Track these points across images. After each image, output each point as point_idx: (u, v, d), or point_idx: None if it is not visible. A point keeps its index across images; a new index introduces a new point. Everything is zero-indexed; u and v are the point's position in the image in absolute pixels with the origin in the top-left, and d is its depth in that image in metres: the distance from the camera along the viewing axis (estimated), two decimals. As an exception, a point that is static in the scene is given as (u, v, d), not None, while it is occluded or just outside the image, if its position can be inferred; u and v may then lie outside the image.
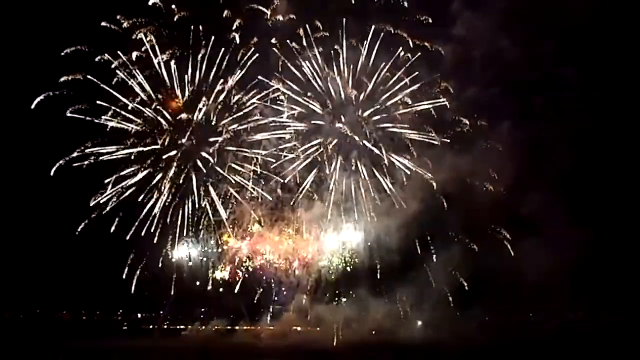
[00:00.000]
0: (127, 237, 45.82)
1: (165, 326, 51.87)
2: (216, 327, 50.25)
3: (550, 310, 50.94)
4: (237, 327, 50.56)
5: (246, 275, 50.48)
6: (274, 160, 47.68)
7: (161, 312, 51.52)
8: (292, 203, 48.48)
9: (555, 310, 50.64)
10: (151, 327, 52.47)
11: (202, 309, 50.65)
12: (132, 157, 46.19)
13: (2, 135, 46.36)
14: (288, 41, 47.17)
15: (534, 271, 42.66)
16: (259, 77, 47.36)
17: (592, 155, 45.35)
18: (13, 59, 46.28)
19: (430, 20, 46.41)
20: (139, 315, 53.53)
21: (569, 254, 41.29)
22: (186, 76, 47.13)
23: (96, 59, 45.34)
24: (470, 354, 41.51)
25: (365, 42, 46.86)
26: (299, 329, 49.64)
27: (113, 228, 45.75)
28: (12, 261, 48.46)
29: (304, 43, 47.06)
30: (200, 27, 46.48)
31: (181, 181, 47.71)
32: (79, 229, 45.34)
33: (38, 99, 44.60)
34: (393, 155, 47.67)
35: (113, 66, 45.56)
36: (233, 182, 47.84)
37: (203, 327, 50.66)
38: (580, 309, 50.51)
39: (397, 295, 47.98)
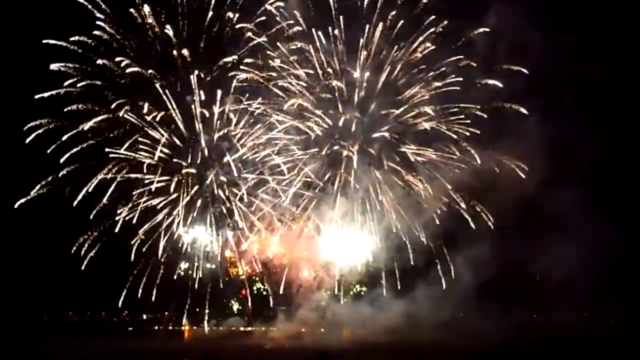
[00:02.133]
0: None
1: (171, 327, 51.31)
2: (232, 328, 50.15)
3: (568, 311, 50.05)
4: (253, 328, 50.37)
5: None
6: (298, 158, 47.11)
7: (166, 312, 51.10)
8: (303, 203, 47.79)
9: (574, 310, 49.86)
10: (156, 328, 52.18)
11: (207, 310, 49.86)
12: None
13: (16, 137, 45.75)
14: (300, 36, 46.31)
15: (558, 270, 42.25)
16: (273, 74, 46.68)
17: (620, 152, 44.49)
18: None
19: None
20: (144, 317, 53.12)
21: (595, 253, 40.82)
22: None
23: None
24: (481, 355, 40.95)
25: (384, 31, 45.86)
26: (303, 330, 49.01)
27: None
28: (19, 262, 48.42)
29: (319, 38, 46.17)
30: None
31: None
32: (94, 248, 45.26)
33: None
34: (415, 151, 46.94)
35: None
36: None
37: (208, 329, 50.10)
38: (597, 310, 49.29)
39: (416, 294, 47.18)
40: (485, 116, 46.18)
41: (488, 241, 45.71)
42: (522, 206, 44.57)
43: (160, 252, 46.02)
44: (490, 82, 45.81)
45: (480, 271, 45.02)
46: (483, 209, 46.91)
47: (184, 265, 48.79)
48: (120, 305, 47.17)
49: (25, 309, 53.78)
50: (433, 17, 45.15)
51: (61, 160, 43.81)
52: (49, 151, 43.73)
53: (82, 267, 45.10)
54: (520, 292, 47.04)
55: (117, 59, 44.40)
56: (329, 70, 47.05)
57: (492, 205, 46.56)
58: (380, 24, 45.49)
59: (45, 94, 43.67)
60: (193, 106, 45.99)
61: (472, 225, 46.87)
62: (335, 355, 42.66)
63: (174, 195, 46.07)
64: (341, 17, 45.57)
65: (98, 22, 44.52)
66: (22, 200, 44.39)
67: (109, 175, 44.81)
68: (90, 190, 44.36)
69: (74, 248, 44.98)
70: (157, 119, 45.36)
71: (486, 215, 46.89)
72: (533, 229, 46.03)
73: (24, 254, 48.34)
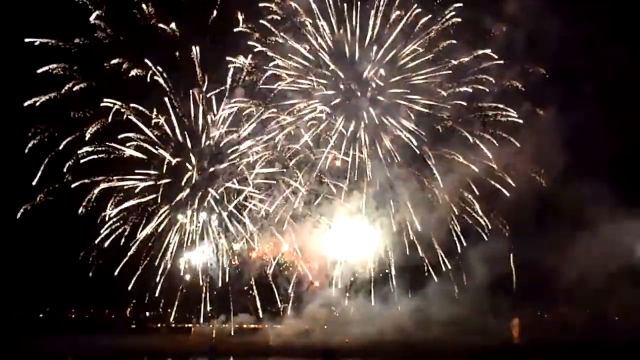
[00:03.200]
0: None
1: (174, 324, 50.85)
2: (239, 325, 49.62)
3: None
4: (261, 325, 49.77)
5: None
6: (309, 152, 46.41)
7: (169, 309, 50.66)
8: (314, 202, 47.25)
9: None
10: (159, 325, 51.88)
11: (211, 307, 49.45)
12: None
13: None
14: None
15: (573, 268, 41.29)
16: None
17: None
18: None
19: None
20: (147, 314, 52.91)
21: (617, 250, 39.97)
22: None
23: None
24: (485, 354, 40.39)
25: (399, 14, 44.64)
26: (307, 327, 48.19)
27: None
28: (22, 260, 48.12)
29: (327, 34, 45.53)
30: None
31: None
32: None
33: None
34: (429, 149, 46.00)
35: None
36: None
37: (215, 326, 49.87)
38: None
39: (426, 292, 46.75)
40: (502, 113, 45.39)
41: (501, 239, 45.25)
42: (538, 203, 43.81)
43: (168, 255, 46.05)
44: (508, 75, 44.96)
45: (492, 269, 44.28)
46: (496, 208, 46.12)
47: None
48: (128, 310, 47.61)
49: (29, 307, 53.92)
50: (451, 9, 44.34)
51: (66, 166, 43.69)
52: (52, 155, 43.63)
53: (90, 274, 45.26)
54: (532, 290, 45.73)
55: (119, 60, 43.96)
56: (336, 69, 46.32)
57: (506, 203, 45.52)
58: (393, 17, 44.74)
59: (43, 97, 43.27)
60: (199, 105, 45.73)
61: (485, 223, 46.13)
62: (341, 352, 42.20)
63: (180, 198, 45.86)
64: (345, 5, 44.90)
65: (97, 21, 44.05)
66: (27, 206, 44.33)
67: (114, 179, 44.61)
68: (95, 193, 44.32)
69: (81, 253, 44.96)
70: (161, 121, 45.17)
71: (499, 213, 46.12)
72: (548, 227, 44.92)
73: (29, 253, 47.97)
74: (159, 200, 45.15)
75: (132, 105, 44.22)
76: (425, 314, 45.19)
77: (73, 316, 55.24)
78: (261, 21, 44.87)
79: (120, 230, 44.86)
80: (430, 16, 44.50)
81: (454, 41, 44.63)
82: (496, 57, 44.55)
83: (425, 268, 46.82)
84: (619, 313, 46.79)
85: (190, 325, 50.40)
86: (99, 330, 51.52)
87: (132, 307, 48.86)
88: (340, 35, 45.41)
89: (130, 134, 44.49)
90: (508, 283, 45.89)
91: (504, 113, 45.34)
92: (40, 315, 54.55)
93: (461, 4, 43.95)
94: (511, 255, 46.13)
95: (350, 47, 45.67)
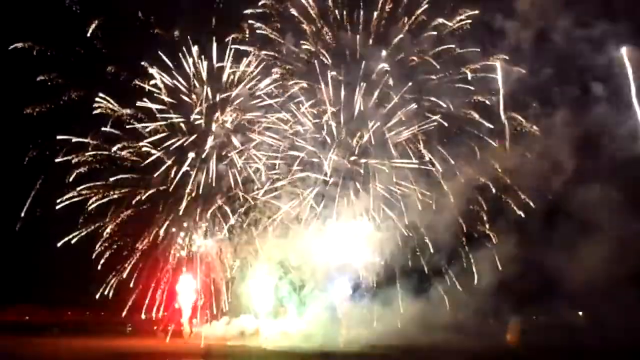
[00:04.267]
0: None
1: (170, 327, 50.24)
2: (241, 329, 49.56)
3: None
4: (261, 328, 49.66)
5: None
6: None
7: (165, 312, 50.39)
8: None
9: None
10: (155, 328, 51.46)
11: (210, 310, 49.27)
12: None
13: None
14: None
15: (578, 271, 40.74)
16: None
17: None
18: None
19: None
20: (143, 317, 52.47)
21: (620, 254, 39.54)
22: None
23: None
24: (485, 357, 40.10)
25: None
26: (307, 330, 48.12)
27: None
28: (20, 260, 48.00)
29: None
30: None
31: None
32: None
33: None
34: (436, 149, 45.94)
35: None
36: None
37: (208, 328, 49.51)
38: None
39: (429, 295, 46.91)
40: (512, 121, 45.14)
41: (507, 242, 45.15)
42: (543, 207, 43.77)
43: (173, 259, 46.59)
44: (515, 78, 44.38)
45: (495, 273, 44.44)
46: (501, 213, 46.03)
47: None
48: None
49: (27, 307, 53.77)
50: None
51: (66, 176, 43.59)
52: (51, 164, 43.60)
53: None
54: (535, 293, 45.49)
55: (117, 68, 43.99)
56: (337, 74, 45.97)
57: (513, 205, 45.46)
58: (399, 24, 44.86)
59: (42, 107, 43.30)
60: (202, 110, 45.59)
61: (490, 228, 46.41)
62: (341, 356, 42.20)
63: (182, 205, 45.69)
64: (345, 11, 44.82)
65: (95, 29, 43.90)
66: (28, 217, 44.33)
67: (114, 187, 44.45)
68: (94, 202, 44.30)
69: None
70: (163, 126, 45.10)
71: (504, 218, 46.03)
72: (555, 229, 43.87)
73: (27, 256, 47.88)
74: (161, 209, 45.27)
75: (129, 111, 44.42)
76: (427, 318, 45.10)
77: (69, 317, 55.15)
78: (262, 25, 45.15)
79: (120, 242, 45.18)
80: (439, 21, 44.70)
81: (458, 49, 44.79)
82: (504, 65, 44.43)
83: (429, 272, 47.00)
84: (620, 316, 46.95)
85: (187, 329, 50.17)
86: (96, 332, 51.53)
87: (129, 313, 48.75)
88: (344, 38, 45.47)
89: (131, 141, 44.56)
90: (510, 286, 44.98)
91: (512, 122, 45.20)
92: (27, 318, 54.66)
93: (475, 12, 44.11)
94: (512, 258, 45.48)
95: (352, 49, 45.71)
